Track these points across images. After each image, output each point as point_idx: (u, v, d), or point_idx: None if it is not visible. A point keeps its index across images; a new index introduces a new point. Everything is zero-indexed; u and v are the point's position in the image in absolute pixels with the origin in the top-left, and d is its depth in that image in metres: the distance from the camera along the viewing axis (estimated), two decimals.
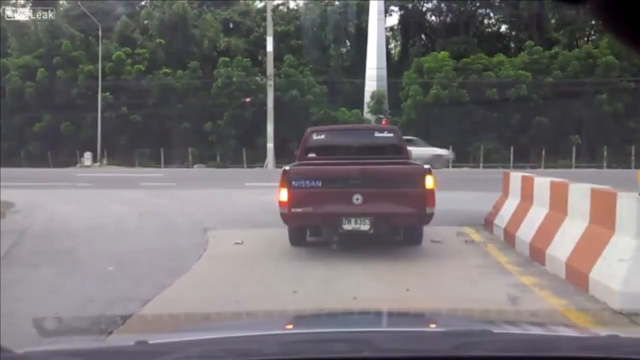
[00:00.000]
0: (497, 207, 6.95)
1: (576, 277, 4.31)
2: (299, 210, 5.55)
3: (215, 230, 7.11)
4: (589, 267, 4.10)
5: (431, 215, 5.58)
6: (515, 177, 6.72)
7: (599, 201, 4.37)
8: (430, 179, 5.51)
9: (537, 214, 5.56)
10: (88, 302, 4.00)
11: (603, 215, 4.23)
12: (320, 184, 5.59)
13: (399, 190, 5.59)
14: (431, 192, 5.47)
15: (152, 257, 5.68)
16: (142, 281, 4.59)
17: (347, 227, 5.53)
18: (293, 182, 5.57)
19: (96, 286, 4.43)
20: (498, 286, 4.45)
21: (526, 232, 5.64)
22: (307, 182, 5.59)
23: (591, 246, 4.23)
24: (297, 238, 6.09)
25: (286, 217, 5.68)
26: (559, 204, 5.11)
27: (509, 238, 6.12)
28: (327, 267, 5.26)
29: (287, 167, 5.88)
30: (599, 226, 4.27)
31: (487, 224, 7.09)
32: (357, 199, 5.48)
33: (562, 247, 4.70)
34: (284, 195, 5.57)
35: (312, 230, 6.21)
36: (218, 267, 5.35)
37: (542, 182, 5.72)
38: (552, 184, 5.45)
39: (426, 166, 5.81)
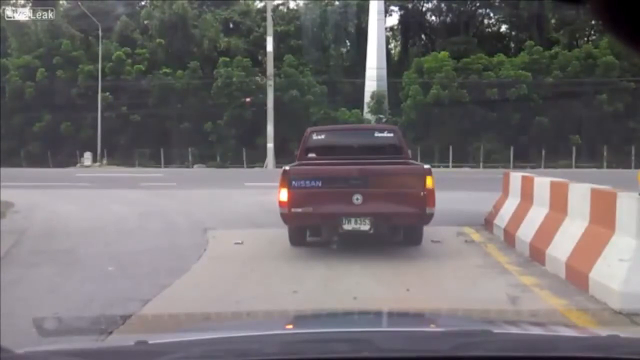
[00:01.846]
0: (497, 207, 6.94)
1: (576, 277, 4.30)
2: (299, 210, 5.53)
3: (215, 230, 7.11)
4: (589, 267, 4.09)
5: (431, 215, 5.57)
6: (515, 177, 6.72)
7: (599, 201, 4.37)
8: (430, 179, 5.52)
9: (537, 214, 5.55)
10: (88, 302, 4.00)
11: (603, 215, 4.23)
12: (320, 184, 5.58)
13: (399, 190, 5.59)
14: (431, 192, 5.47)
15: (152, 257, 5.66)
16: (142, 281, 4.58)
17: (347, 227, 5.52)
18: (293, 182, 5.56)
19: (96, 286, 4.42)
20: (498, 286, 4.45)
21: (526, 232, 5.63)
22: (307, 182, 5.58)
23: (591, 246, 4.22)
24: (297, 238, 6.07)
25: (286, 217, 5.67)
26: (559, 204, 5.10)
27: (509, 238, 6.11)
28: (327, 267, 5.26)
29: (287, 167, 5.87)
30: (599, 226, 4.26)
31: (487, 224, 7.09)
32: (357, 199, 5.47)
33: (562, 247, 4.69)
34: (284, 195, 5.55)
35: (312, 230, 6.21)
36: (218, 267, 5.35)
37: (542, 182, 5.72)
38: (552, 184, 5.44)
39: (426, 166, 5.83)
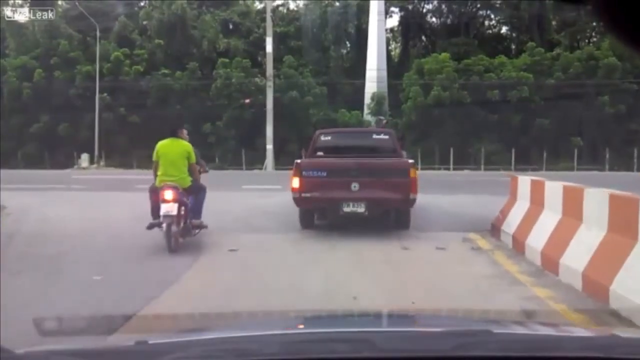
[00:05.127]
0: (504, 212, 6.65)
1: (595, 289, 4.01)
2: (308, 195, 6.68)
3: (208, 236, 6.83)
4: (609, 279, 3.81)
5: (414, 200, 6.72)
6: (524, 180, 6.42)
7: (619, 208, 4.08)
8: (413, 170, 6.71)
9: (549, 220, 5.25)
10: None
11: (624, 223, 3.93)
12: (325, 174, 6.75)
13: (388, 180, 6.67)
14: (414, 181, 6.62)
15: (141, 264, 5.38)
16: (128, 293, 4.28)
17: (346, 209, 6.70)
18: (303, 173, 6.75)
19: (78, 298, 4.13)
20: (510, 299, 4.14)
21: (537, 239, 5.33)
22: (315, 172, 6.76)
23: (611, 256, 3.94)
24: (306, 221, 7.17)
25: (297, 201, 6.84)
26: (573, 210, 4.81)
27: (518, 245, 5.81)
28: (327, 275, 5.02)
29: (298, 161, 7.09)
30: (619, 235, 3.97)
31: (494, 229, 6.78)
32: (355, 186, 6.66)
33: (577, 256, 4.39)
34: (296, 182, 6.73)
35: (318, 214, 7.34)
36: (210, 276, 5.06)
37: (554, 187, 5.42)
38: (565, 189, 5.15)
39: (411, 161, 7.13)
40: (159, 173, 6.09)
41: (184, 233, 5.95)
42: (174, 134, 6.35)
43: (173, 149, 6.17)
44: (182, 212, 5.86)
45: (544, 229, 5.28)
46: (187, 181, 6.09)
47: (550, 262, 4.87)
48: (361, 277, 4.89)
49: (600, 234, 4.21)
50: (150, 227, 5.92)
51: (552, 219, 5.19)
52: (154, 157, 6.26)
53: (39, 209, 9.32)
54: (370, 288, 4.54)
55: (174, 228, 5.67)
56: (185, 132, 6.51)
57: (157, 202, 5.84)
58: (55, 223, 7.92)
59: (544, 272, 4.93)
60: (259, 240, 6.58)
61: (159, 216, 5.77)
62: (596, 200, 4.43)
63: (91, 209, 9.43)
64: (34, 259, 5.56)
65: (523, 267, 5.16)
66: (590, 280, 4.10)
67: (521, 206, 6.23)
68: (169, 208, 5.66)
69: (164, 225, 5.67)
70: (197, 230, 6.27)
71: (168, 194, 5.75)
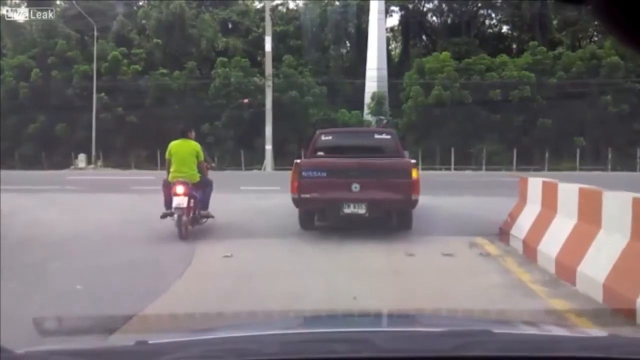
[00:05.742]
0: (513, 216, 6.32)
1: (618, 301, 3.68)
2: (307, 195, 6.54)
3: (202, 240, 6.53)
4: (636, 291, 3.48)
5: (416, 201, 6.53)
6: (535, 182, 6.08)
7: None
8: (415, 171, 6.54)
9: (563, 225, 4.91)
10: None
11: None
12: (325, 175, 6.60)
13: (390, 180, 6.52)
14: (416, 182, 6.46)
15: (128, 272, 5.06)
16: (110, 304, 3.97)
17: (347, 210, 6.55)
18: (303, 173, 6.60)
19: (55, 310, 3.80)
20: (526, 312, 3.81)
21: (550, 245, 5.00)
22: (314, 172, 6.61)
23: (636, 266, 3.61)
24: (306, 222, 7.07)
25: (297, 201, 6.70)
26: (590, 214, 4.48)
27: (530, 251, 5.47)
28: (327, 283, 4.72)
29: (298, 161, 6.95)
30: None
31: (503, 234, 6.45)
32: (356, 187, 6.51)
33: (597, 265, 4.06)
34: (295, 183, 6.59)
35: (319, 215, 7.23)
36: (202, 285, 4.74)
37: (569, 189, 5.09)
38: (581, 192, 4.82)
39: (413, 161, 6.96)
40: (171, 170, 6.86)
41: (193, 222, 6.73)
42: (184, 134, 7.08)
43: (184, 148, 6.90)
44: (192, 205, 6.63)
45: (557, 234, 4.94)
46: (196, 177, 6.83)
47: (565, 271, 4.53)
48: (364, 287, 4.57)
49: (623, 241, 3.88)
50: (164, 216, 6.72)
51: (567, 224, 4.85)
52: (167, 156, 7.01)
53: (31, 212, 9.03)
54: (374, 299, 4.23)
55: (184, 218, 6.46)
56: (193, 133, 7.26)
57: (169, 195, 6.65)
58: (46, 228, 7.63)
59: (559, 281, 4.60)
60: (255, 245, 6.29)
61: (171, 208, 6.56)
62: (617, 204, 4.10)
63: (87, 212, 9.16)
64: (18, 267, 5.25)
65: (536, 276, 4.82)
66: (613, 291, 3.77)
67: (532, 209, 5.89)
68: (180, 201, 6.47)
69: (176, 216, 6.48)
70: (204, 220, 7.01)
71: (179, 189, 6.53)
